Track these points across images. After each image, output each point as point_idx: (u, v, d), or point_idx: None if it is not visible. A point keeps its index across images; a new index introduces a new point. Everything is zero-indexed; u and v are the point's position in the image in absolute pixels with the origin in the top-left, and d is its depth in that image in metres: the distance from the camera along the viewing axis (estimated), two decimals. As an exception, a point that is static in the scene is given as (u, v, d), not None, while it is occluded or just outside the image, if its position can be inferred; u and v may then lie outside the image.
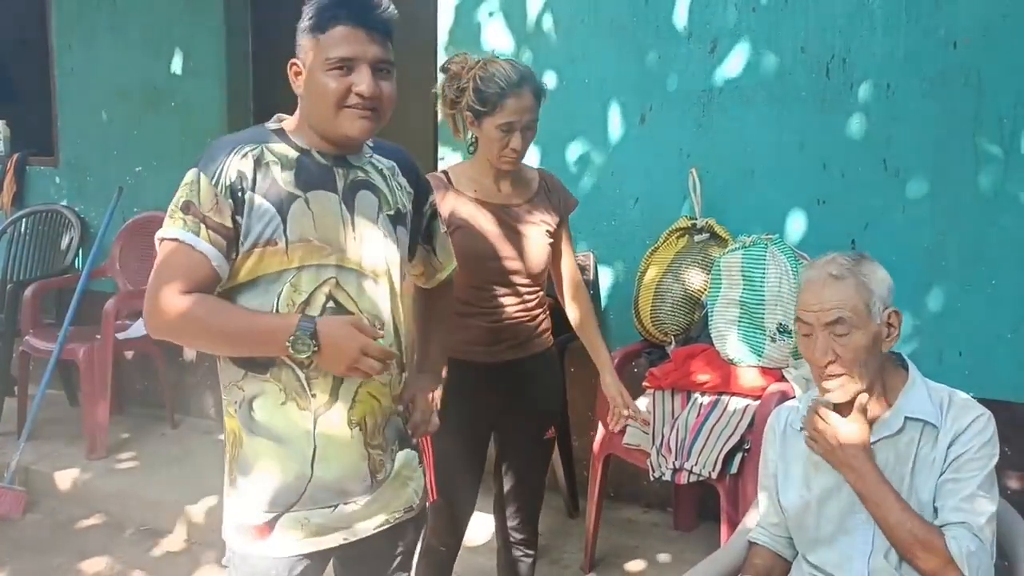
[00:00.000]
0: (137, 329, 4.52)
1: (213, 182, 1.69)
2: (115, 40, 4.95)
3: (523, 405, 2.59)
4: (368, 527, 1.87)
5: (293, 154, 1.77)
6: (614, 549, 3.47)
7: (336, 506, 1.81)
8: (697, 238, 3.31)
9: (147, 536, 3.77)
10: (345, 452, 1.81)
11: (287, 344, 1.65)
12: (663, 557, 3.39)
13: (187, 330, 1.71)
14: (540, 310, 2.59)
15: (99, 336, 4.38)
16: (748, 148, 3.45)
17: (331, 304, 1.76)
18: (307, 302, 1.74)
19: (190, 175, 1.72)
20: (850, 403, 1.89)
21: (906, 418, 1.89)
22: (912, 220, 3.20)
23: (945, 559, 1.77)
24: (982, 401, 1.93)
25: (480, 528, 3.36)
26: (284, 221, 1.72)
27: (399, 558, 2.02)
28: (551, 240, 2.55)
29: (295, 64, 1.78)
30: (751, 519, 2.21)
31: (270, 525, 1.79)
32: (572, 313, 2.68)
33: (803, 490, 1.99)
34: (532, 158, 3.87)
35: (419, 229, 2.00)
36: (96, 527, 3.87)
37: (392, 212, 1.88)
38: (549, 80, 3.86)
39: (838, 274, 1.87)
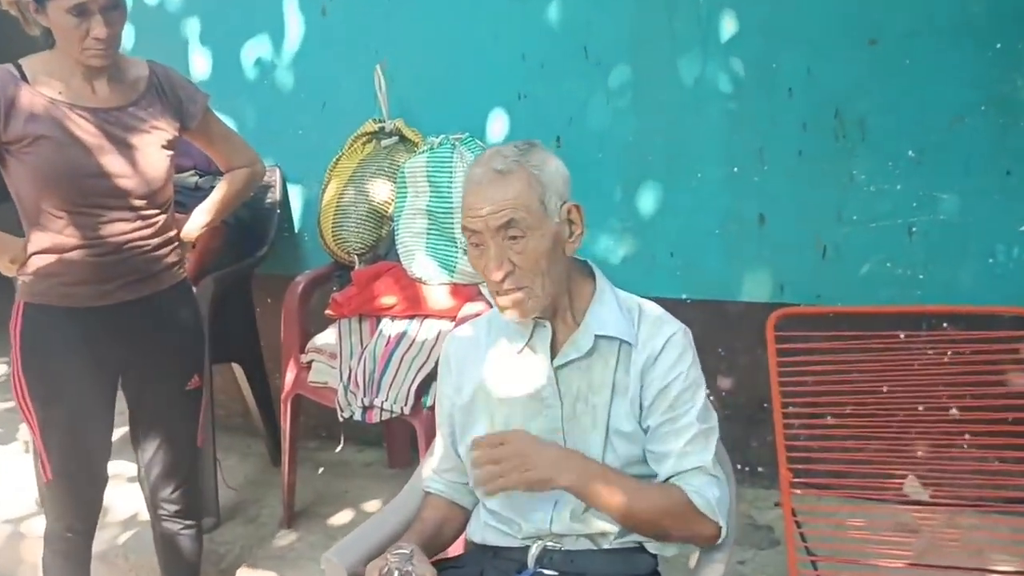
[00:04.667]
0: None
1: None
2: None
3: (154, 353, 2.14)
4: None
5: None
6: (320, 497, 3.11)
7: None
8: (384, 143, 2.92)
9: None
10: None
11: None
12: (373, 501, 3.07)
13: None
14: (164, 236, 2.13)
15: None
16: (440, 40, 3.08)
17: None
18: None
19: None
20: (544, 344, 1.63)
21: (596, 336, 1.61)
22: (616, 113, 2.95)
23: (696, 516, 1.55)
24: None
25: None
26: None
27: None
28: (170, 151, 2.09)
29: None
30: (427, 467, 1.90)
31: None
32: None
33: (488, 426, 1.68)
34: (202, 64, 3.35)
35: None
36: None
37: None
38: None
39: (504, 168, 1.54)
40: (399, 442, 3.27)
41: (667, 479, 1.59)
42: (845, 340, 2.38)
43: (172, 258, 2.15)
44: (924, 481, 2.51)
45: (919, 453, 2.42)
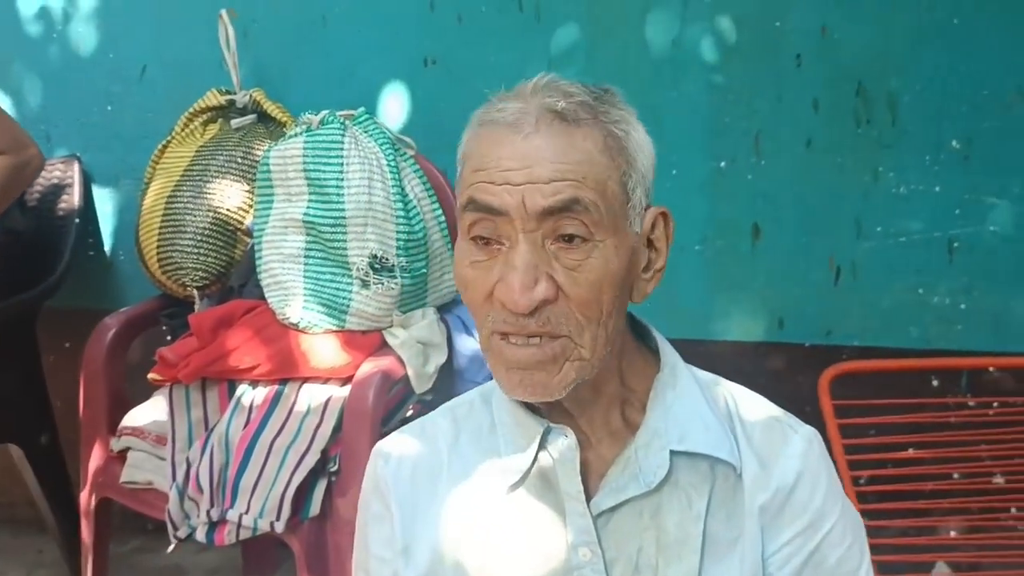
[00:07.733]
0: None
1: None
2: None
3: None
4: None
5: None
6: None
7: None
8: (235, 123, 2.08)
9: None
10: None
11: None
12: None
13: None
14: None
15: None
16: (315, -20, 2.31)
17: None
18: None
19: None
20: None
21: (674, 453, 0.87)
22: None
23: None
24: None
25: None
26: None
27: None
28: None
29: None
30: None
31: None
32: None
33: None
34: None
35: None
36: None
37: None
38: None
39: (567, 109, 0.81)
40: (260, 542, 2.40)
41: None
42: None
43: None
44: (958, 571, 2.19)
45: (952, 533, 2.11)
